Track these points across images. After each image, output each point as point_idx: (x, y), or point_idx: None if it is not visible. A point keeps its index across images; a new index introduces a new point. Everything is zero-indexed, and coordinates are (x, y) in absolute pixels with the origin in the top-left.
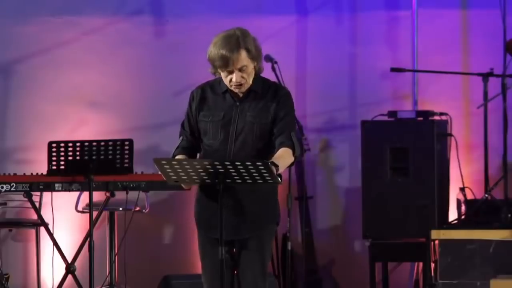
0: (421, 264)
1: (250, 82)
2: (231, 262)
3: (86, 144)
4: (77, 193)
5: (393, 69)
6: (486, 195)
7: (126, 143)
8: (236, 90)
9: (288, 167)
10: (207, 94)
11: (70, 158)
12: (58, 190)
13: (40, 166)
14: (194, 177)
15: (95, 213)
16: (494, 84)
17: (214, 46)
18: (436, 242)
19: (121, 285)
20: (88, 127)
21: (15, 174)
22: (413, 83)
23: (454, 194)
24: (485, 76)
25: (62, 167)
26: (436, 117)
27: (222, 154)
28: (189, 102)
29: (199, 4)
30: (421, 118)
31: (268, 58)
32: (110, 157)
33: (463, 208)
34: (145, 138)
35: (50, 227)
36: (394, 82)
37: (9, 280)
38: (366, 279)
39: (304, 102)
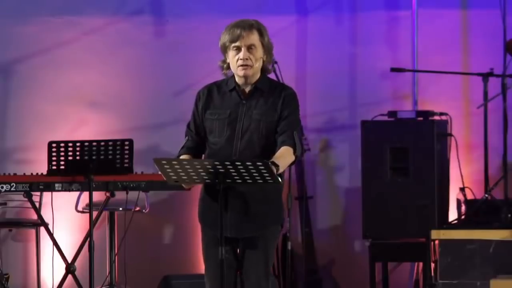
0: (421, 264)
1: (256, 68)
2: (234, 262)
3: (86, 144)
4: (77, 193)
5: (393, 69)
6: (486, 195)
7: (126, 143)
8: (241, 73)
9: (288, 166)
10: (214, 93)
11: (70, 158)
12: (58, 190)
13: (40, 166)
14: (194, 177)
15: (95, 213)
16: (494, 84)
17: (227, 26)
18: (436, 242)
19: (121, 285)
20: (88, 127)
21: (15, 174)
22: (413, 83)
23: (454, 194)
24: (485, 76)
25: (62, 167)
26: (436, 117)
27: (228, 152)
28: (195, 101)
29: (199, 4)
30: (421, 118)
31: None
32: (110, 157)
33: (463, 208)
34: (145, 138)
35: (50, 227)
36: (394, 82)
37: (9, 280)
38: (366, 279)
39: (304, 102)
